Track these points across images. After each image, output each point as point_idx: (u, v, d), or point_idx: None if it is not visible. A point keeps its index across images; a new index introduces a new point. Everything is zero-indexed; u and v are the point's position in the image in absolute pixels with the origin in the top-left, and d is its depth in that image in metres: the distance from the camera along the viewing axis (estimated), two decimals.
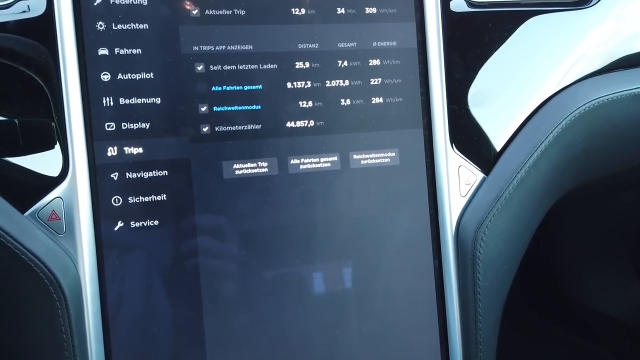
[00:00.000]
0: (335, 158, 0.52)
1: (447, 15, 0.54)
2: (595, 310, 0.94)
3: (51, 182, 0.44)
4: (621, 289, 0.94)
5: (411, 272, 0.53)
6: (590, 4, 0.59)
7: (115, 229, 0.46)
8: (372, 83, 0.53)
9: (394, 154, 0.53)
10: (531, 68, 0.56)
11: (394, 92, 0.53)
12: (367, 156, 0.52)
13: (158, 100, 0.48)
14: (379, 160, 0.52)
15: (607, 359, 0.89)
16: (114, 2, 0.47)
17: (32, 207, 0.44)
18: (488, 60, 0.55)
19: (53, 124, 0.45)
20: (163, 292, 0.47)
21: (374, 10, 0.53)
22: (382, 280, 0.52)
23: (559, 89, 0.56)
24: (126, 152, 0.47)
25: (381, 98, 0.53)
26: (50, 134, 0.45)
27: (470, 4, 0.55)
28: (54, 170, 0.45)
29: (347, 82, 0.52)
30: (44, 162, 0.45)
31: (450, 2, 0.54)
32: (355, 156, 0.52)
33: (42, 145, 0.45)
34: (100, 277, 0.45)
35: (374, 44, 0.53)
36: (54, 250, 0.43)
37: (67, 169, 0.45)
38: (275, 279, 0.50)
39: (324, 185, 0.51)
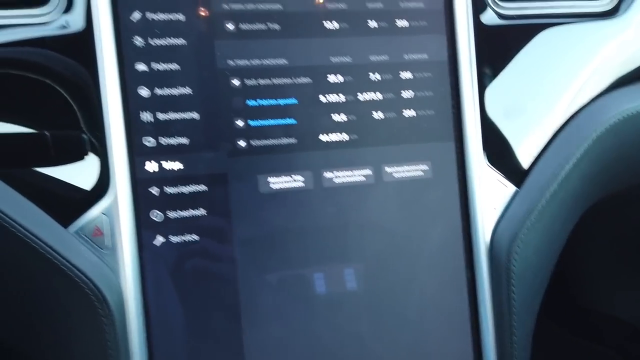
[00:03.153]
0: (369, 171, 0.52)
1: (478, 28, 0.54)
2: (614, 317, 0.94)
3: (94, 198, 0.45)
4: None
5: (444, 284, 0.53)
6: (619, 14, 0.59)
7: (157, 244, 0.46)
8: (403, 96, 0.53)
9: (426, 167, 0.53)
10: (562, 79, 0.56)
11: (426, 104, 0.53)
12: (400, 169, 0.53)
13: (195, 115, 0.48)
14: (411, 173, 0.53)
15: None
16: (152, 19, 0.47)
17: (75, 222, 0.44)
18: (519, 73, 0.55)
19: (89, 137, 0.45)
20: (204, 305, 0.47)
21: (405, 23, 0.53)
22: (415, 292, 0.53)
23: (589, 99, 0.56)
24: (165, 167, 0.47)
25: (413, 111, 0.53)
26: (92, 148, 0.45)
27: (501, 17, 0.55)
28: (96, 186, 0.45)
29: (379, 95, 0.52)
30: (87, 178, 0.45)
31: (481, 15, 0.54)
32: (388, 169, 0.52)
33: (76, 158, 0.45)
34: (144, 292, 0.45)
35: (405, 56, 0.53)
36: (99, 266, 0.43)
37: (108, 184, 0.45)
38: (311, 291, 0.50)
39: (357, 198, 0.51)
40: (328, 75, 0.51)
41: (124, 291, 0.44)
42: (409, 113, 0.53)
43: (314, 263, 0.50)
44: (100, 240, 0.44)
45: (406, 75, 0.53)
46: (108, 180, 0.45)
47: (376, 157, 0.52)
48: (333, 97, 0.51)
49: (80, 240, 0.44)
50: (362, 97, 0.52)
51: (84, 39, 0.46)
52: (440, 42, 0.54)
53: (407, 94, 0.53)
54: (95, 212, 0.44)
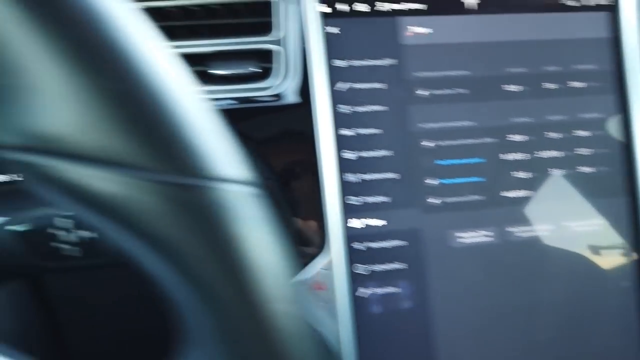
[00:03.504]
0: (549, 226, 0.55)
1: None
2: None
3: (313, 254, 0.49)
4: None
5: (618, 334, 0.55)
6: None
7: (365, 296, 0.50)
8: (578, 153, 0.56)
9: (601, 221, 0.56)
10: None
11: (600, 161, 0.56)
12: (577, 223, 0.55)
13: (394, 175, 0.52)
14: (587, 228, 0.55)
15: None
16: (359, 88, 0.52)
17: (300, 276, 0.49)
18: None
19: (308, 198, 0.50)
20: (413, 352, 0.51)
21: (579, 83, 0.56)
22: (591, 341, 0.55)
23: None
24: (371, 224, 0.51)
25: (588, 167, 0.56)
26: (310, 207, 0.50)
27: None
28: (314, 243, 0.50)
29: (555, 153, 0.55)
30: (306, 235, 0.50)
31: None
32: (566, 223, 0.55)
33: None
34: (358, 342, 0.50)
35: (579, 115, 0.56)
36: (324, 319, 0.48)
37: (325, 241, 0.49)
38: (500, 335, 0.53)
39: (539, 250, 0.54)
40: (510, 135, 0.55)
41: (341, 341, 0.49)
42: (584, 169, 0.56)
43: (502, 311, 0.53)
44: (321, 294, 0.49)
45: (581, 133, 0.56)
46: (324, 237, 0.49)
47: (554, 212, 0.55)
48: (515, 156, 0.54)
49: (304, 292, 0.48)
50: (541, 154, 0.55)
51: (300, 109, 0.51)
52: (613, 101, 0.57)
53: (582, 151, 0.56)
54: (315, 267, 0.49)
